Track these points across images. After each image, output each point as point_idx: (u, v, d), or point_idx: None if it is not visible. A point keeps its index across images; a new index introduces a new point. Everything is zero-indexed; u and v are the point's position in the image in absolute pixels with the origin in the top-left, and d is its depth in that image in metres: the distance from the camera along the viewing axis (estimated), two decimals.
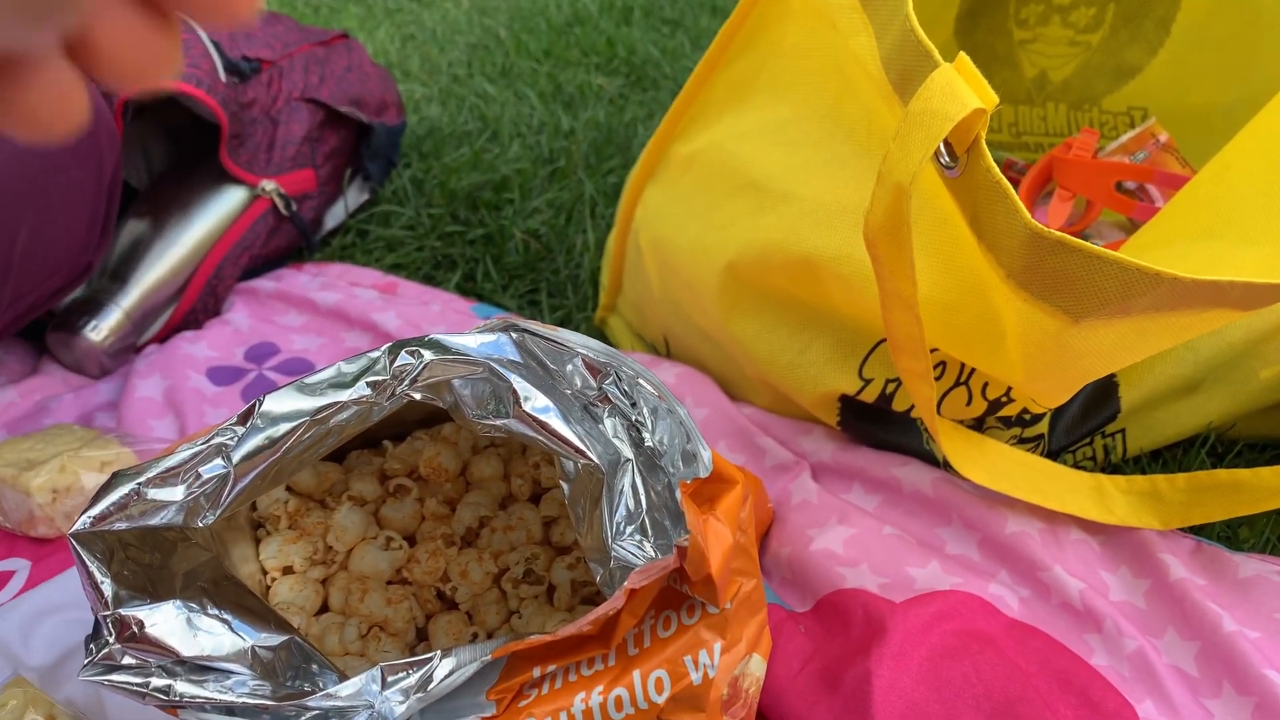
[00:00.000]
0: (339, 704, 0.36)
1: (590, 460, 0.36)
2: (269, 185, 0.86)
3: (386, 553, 0.48)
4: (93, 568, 0.36)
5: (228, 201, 0.85)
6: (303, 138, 0.90)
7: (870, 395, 0.58)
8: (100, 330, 0.77)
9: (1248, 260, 0.47)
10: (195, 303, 0.83)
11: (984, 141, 0.42)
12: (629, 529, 0.36)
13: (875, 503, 0.61)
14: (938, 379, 0.56)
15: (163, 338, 0.81)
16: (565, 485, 0.38)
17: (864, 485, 0.62)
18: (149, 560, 0.38)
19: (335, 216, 0.94)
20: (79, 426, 0.69)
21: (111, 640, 0.36)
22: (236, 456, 0.37)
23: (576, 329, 0.82)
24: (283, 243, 0.89)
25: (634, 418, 0.39)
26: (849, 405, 0.61)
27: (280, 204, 0.87)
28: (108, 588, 0.36)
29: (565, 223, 0.92)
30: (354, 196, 0.96)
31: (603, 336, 0.81)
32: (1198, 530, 0.58)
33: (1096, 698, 0.50)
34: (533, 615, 0.47)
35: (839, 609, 0.55)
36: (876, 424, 0.61)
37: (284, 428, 0.37)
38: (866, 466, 0.61)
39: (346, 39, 0.99)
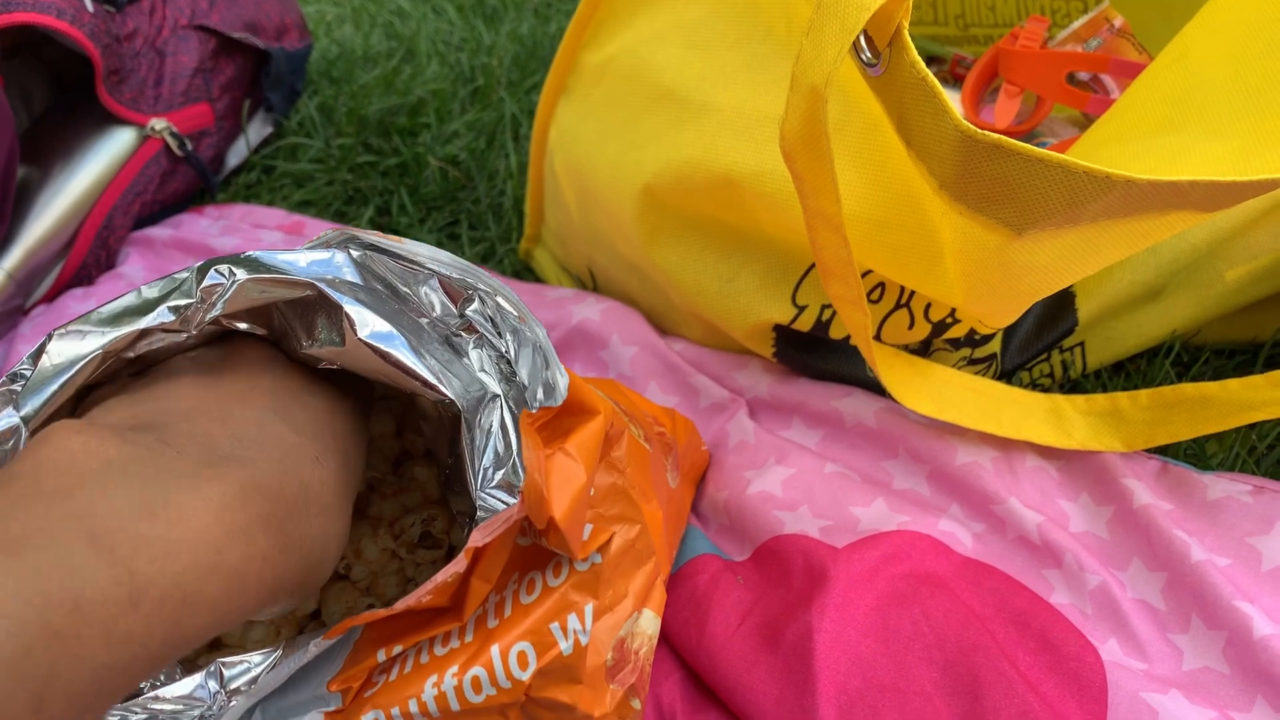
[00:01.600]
0: (168, 706, 0.31)
1: (444, 396, 0.31)
2: (159, 124, 0.79)
3: None
4: None
5: (114, 145, 0.78)
6: (194, 69, 0.82)
7: (805, 323, 0.53)
8: None
9: (1213, 154, 0.42)
10: (85, 257, 0.76)
11: (907, 33, 0.36)
12: (498, 474, 0.31)
13: (816, 439, 0.56)
14: (875, 302, 0.51)
15: (52, 297, 0.75)
16: (426, 429, 0.33)
17: (804, 420, 0.57)
18: None
19: (237, 153, 0.87)
20: None
21: None
22: (26, 406, 0.32)
23: (500, 264, 0.76)
24: (180, 186, 0.82)
25: (503, 349, 0.33)
26: (784, 335, 0.55)
27: (174, 144, 0.80)
28: None
29: (486, 147, 0.85)
30: (256, 130, 0.89)
31: (529, 270, 0.76)
32: (1163, 450, 0.54)
33: (1057, 640, 0.46)
34: (370, 611, 0.42)
35: (778, 556, 0.51)
36: (814, 354, 0.56)
37: (76, 368, 0.32)
38: (806, 400, 0.57)
39: None
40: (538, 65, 0.95)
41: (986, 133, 0.35)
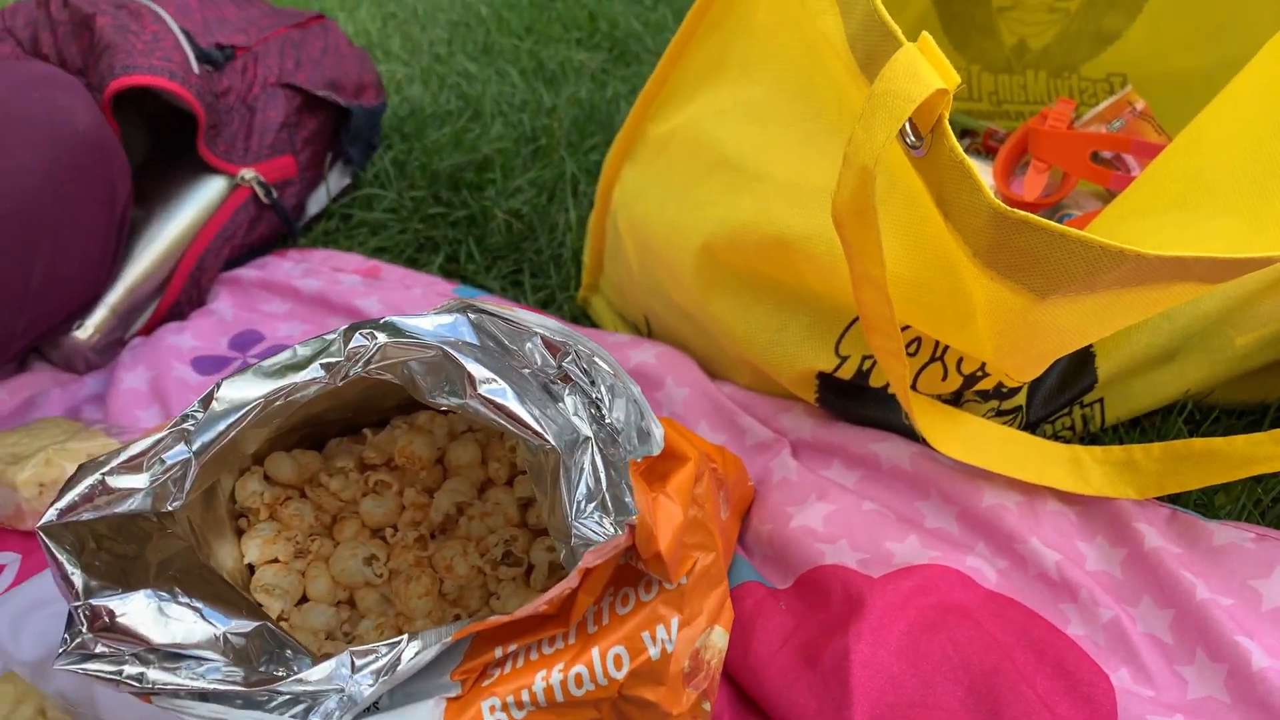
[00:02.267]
0: (310, 688, 0.36)
1: (546, 442, 0.37)
2: (249, 174, 0.86)
3: (368, 568, 0.49)
4: (62, 559, 0.36)
5: (208, 192, 0.85)
6: (280, 124, 0.89)
7: (847, 372, 0.59)
8: (87, 328, 0.77)
9: (1218, 232, 0.47)
10: (179, 295, 0.83)
11: (947, 122, 0.42)
12: (590, 506, 0.37)
13: (854, 479, 0.61)
14: (913, 355, 0.56)
15: (148, 330, 0.82)
16: (528, 465, 0.39)
17: (843, 461, 0.62)
18: (123, 550, 0.39)
19: (318, 202, 0.94)
20: (65, 419, 0.70)
21: (84, 630, 0.36)
22: (198, 442, 0.38)
23: (559, 309, 0.82)
24: (266, 231, 0.89)
25: (594, 395, 0.39)
26: (827, 382, 0.61)
27: (261, 192, 0.87)
28: (78, 579, 0.36)
29: (548, 202, 0.92)
30: (335, 181, 0.96)
31: (586, 316, 0.81)
32: (1174, 499, 0.59)
33: (1072, 667, 0.51)
34: (510, 596, 0.47)
35: (819, 585, 0.55)
36: (854, 400, 0.61)
37: (241, 411, 0.38)
38: (845, 443, 0.62)
39: (322, 20, 0.99)
40: (596, 128, 1.02)
41: (1015, 210, 0.41)
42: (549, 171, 0.95)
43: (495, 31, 1.29)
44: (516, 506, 0.50)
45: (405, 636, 0.38)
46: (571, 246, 0.86)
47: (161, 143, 0.91)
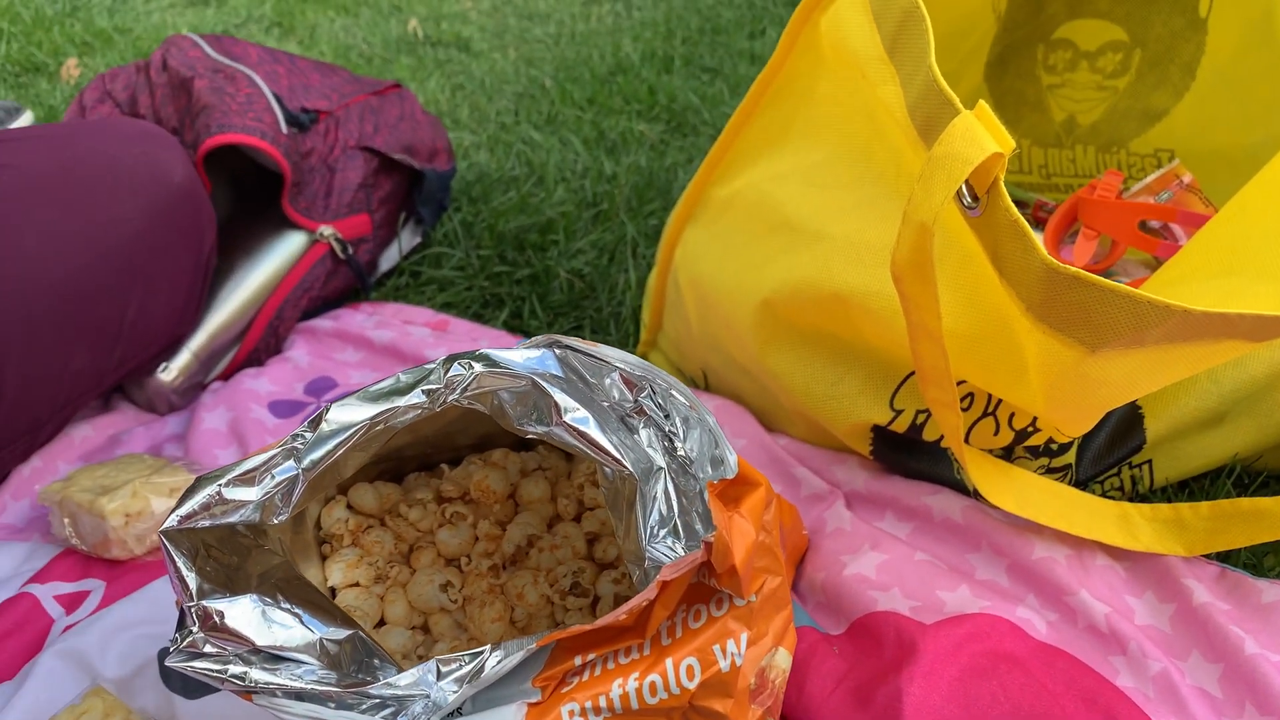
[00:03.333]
0: (398, 692, 0.39)
1: (625, 468, 0.40)
2: (327, 230, 0.91)
3: (443, 594, 0.51)
4: (180, 562, 0.39)
5: (288, 246, 0.90)
6: (358, 184, 0.94)
7: (901, 426, 0.61)
8: (171, 371, 0.81)
9: (1262, 295, 0.49)
10: (258, 343, 0.87)
11: (1002, 183, 0.45)
12: (662, 532, 0.39)
13: (907, 530, 0.63)
14: (965, 409, 0.58)
15: (227, 375, 0.86)
16: (605, 491, 0.41)
17: (896, 513, 0.64)
18: (228, 561, 0.42)
19: (390, 258, 0.99)
20: (149, 456, 0.73)
21: (195, 629, 0.39)
22: (306, 460, 0.41)
23: None
24: (340, 284, 0.93)
25: (667, 428, 0.42)
26: (881, 435, 0.63)
27: (337, 248, 0.91)
28: (193, 581, 0.39)
29: (608, 263, 0.95)
30: (407, 239, 1.00)
31: None
32: (1222, 557, 0.60)
33: (1122, 717, 0.52)
34: (577, 625, 0.49)
35: (871, 630, 0.57)
36: (908, 454, 0.64)
37: (349, 430, 0.41)
38: (898, 495, 0.64)
39: (399, 89, 1.04)
40: (654, 194, 1.06)
41: (1067, 266, 0.43)
42: (609, 234, 0.99)
43: (559, 103, 1.34)
44: (584, 540, 0.53)
45: (489, 646, 0.40)
46: (630, 305, 0.89)
47: (245, 200, 0.96)
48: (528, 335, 0.89)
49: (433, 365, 0.42)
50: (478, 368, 0.42)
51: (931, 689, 0.52)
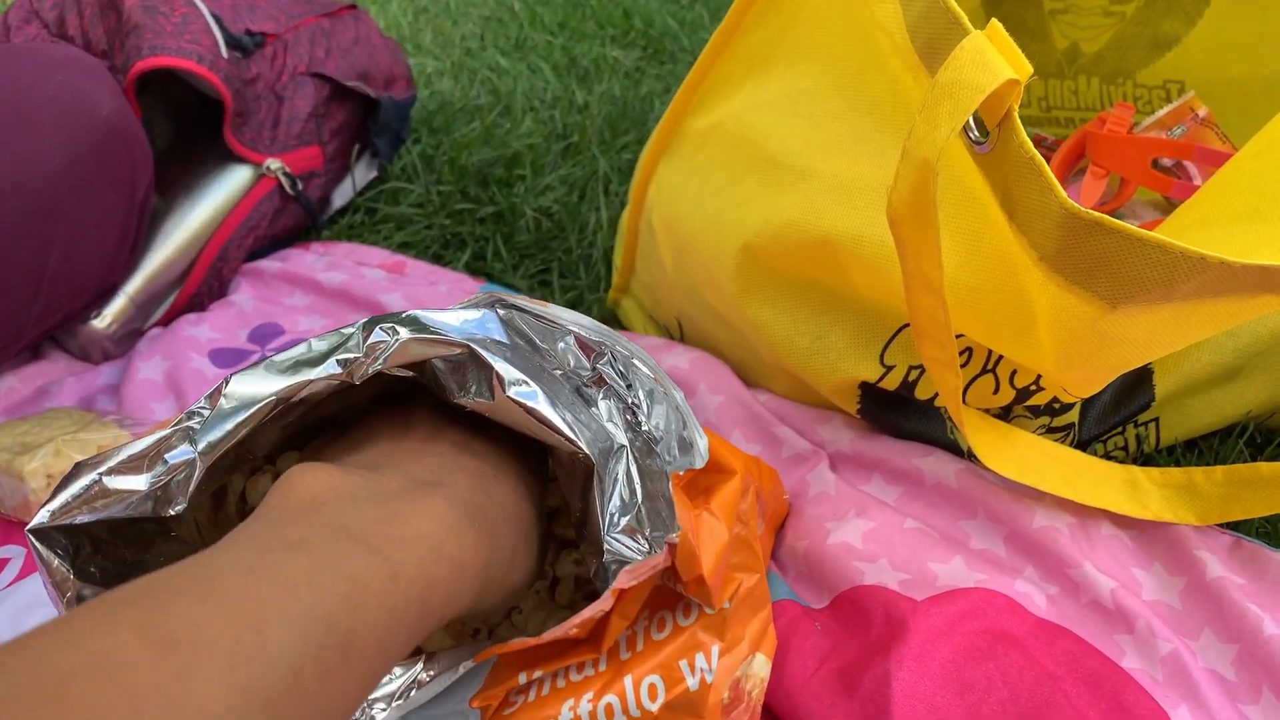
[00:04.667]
0: None
1: (579, 449, 0.34)
2: (274, 164, 0.84)
3: None
4: (54, 564, 0.34)
5: (232, 181, 0.83)
6: (308, 114, 0.87)
7: (892, 383, 0.56)
8: (104, 318, 0.75)
9: None
10: (200, 286, 0.81)
11: (1017, 115, 0.39)
12: (623, 520, 0.34)
13: (896, 495, 0.58)
14: (963, 366, 0.53)
15: (167, 321, 0.80)
16: (561, 470, 0.36)
17: (884, 476, 0.59)
18: (123, 556, 0.36)
19: (343, 195, 0.92)
20: (76, 409, 0.68)
21: None
22: (203, 441, 0.35)
23: (588, 311, 0.79)
24: (289, 222, 0.87)
25: (630, 400, 0.36)
26: (870, 393, 0.58)
27: (286, 183, 0.84)
28: (70, 586, 0.34)
29: (578, 200, 0.89)
30: (362, 174, 0.94)
31: (615, 318, 0.79)
32: (1235, 526, 0.56)
33: (1128, 703, 0.47)
34: (533, 611, 0.44)
35: (857, 606, 0.53)
36: (898, 412, 0.59)
37: (252, 409, 0.35)
38: (887, 457, 0.59)
39: (354, 10, 0.97)
40: (629, 125, 0.99)
41: (1089, 210, 0.38)
42: (580, 169, 0.93)
43: (528, 27, 1.26)
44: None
45: (421, 658, 0.35)
46: (602, 246, 0.83)
47: (185, 130, 0.89)
48: (491, 279, 0.83)
49: (351, 330, 0.36)
50: (403, 333, 0.35)
51: (922, 673, 0.48)
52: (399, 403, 0.43)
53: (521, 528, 0.37)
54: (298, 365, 0.36)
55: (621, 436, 0.35)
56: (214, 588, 0.26)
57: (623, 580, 0.33)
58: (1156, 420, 0.60)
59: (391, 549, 0.30)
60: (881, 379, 0.56)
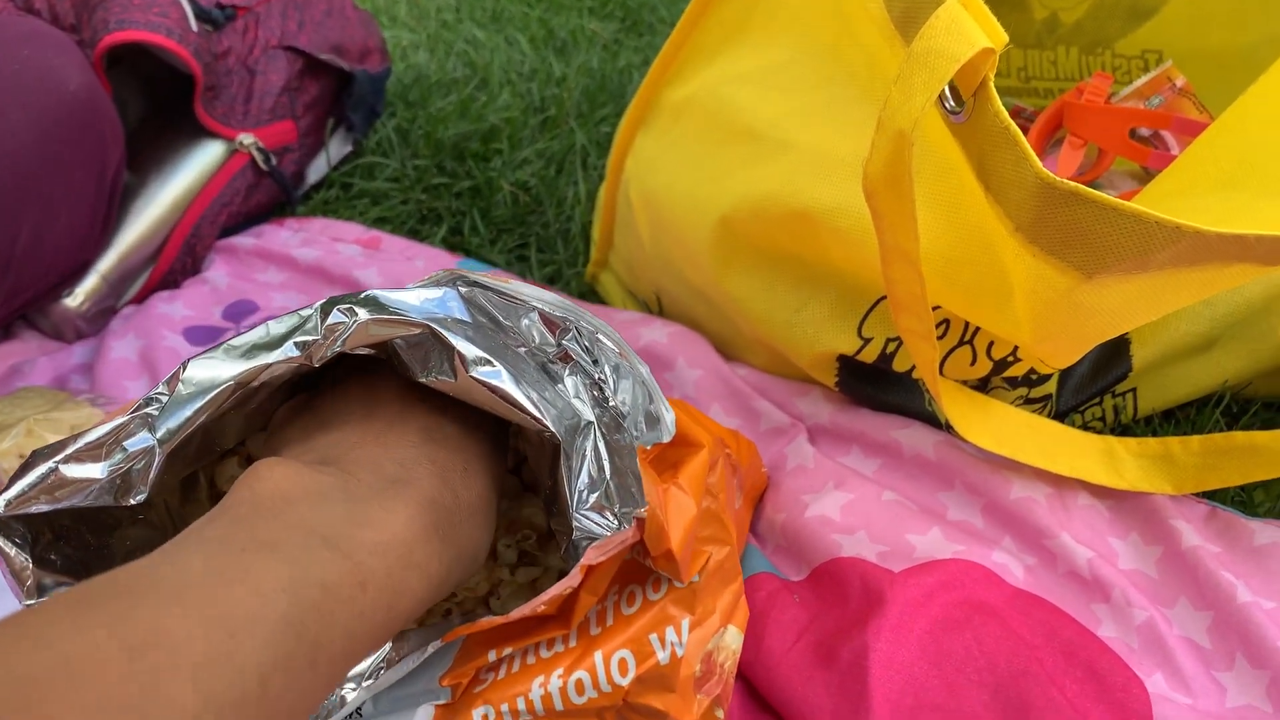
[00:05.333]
0: None
1: (545, 427, 0.34)
2: (247, 139, 0.83)
3: None
4: (12, 554, 0.33)
5: (205, 157, 0.82)
6: (281, 88, 0.86)
7: (870, 355, 0.56)
8: (77, 296, 0.75)
9: (1272, 212, 0.44)
10: (173, 263, 0.80)
11: (992, 84, 0.39)
12: (592, 497, 0.34)
13: (874, 467, 0.58)
14: (940, 338, 0.53)
15: (141, 298, 0.79)
16: (531, 449, 0.35)
17: (863, 448, 0.59)
18: (87, 541, 0.36)
19: (318, 169, 0.91)
20: (49, 389, 0.67)
21: None
22: (162, 429, 0.34)
23: (566, 285, 0.79)
24: (264, 198, 0.86)
25: (596, 376, 0.36)
26: (848, 365, 0.58)
27: (259, 158, 0.83)
28: (29, 575, 0.33)
29: (556, 174, 0.88)
30: (336, 148, 0.93)
31: (594, 293, 0.78)
32: (1211, 495, 0.56)
33: (1104, 670, 0.48)
34: (510, 597, 0.44)
35: (835, 578, 0.53)
36: (876, 385, 0.58)
37: (210, 394, 0.34)
38: (866, 429, 0.59)
39: None
40: (607, 98, 0.98)
41: (1065, 180, 0.38)
42: (558, 143, 0.92)
43: None
44: (543, 513, 0.47)
45: (390, 641, 0.35)
46: (580, 221, 0.83)
47: (157, 105, 0.87)
48: (468, 254, 0.82)
49: (309, 312, 0.35)
50: (362, 314, 0.34)
51: (900, 644, 0.48)
52: (367, 367, 0.42)
53: (483, 522, 0.37)
54: (255, 349, 0.35)
55: (588, 413, 0.35)
56: (186, 590, 0.26)
57: (590, 556, 0.33)
58: (1134, 391, 0.60)
59: (363, 555, 0.30)
60: (859, 351, 0.56)
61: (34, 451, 0.34)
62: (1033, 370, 0.55)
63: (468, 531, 0.35)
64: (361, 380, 0.40)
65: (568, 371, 0.36)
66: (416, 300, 0.35)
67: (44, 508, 0.33)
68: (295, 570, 0.28)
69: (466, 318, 0.36)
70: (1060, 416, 0.59)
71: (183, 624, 0.25)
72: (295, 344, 0.35)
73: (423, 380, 0.35)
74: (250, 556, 0.28)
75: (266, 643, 0.26)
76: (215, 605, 0.26)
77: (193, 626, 0.25)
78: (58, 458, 0.33)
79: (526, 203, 0.85)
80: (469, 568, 0.35)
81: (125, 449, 0.34)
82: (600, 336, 0.37)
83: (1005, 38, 0.38)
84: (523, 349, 0.37)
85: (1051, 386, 0.57)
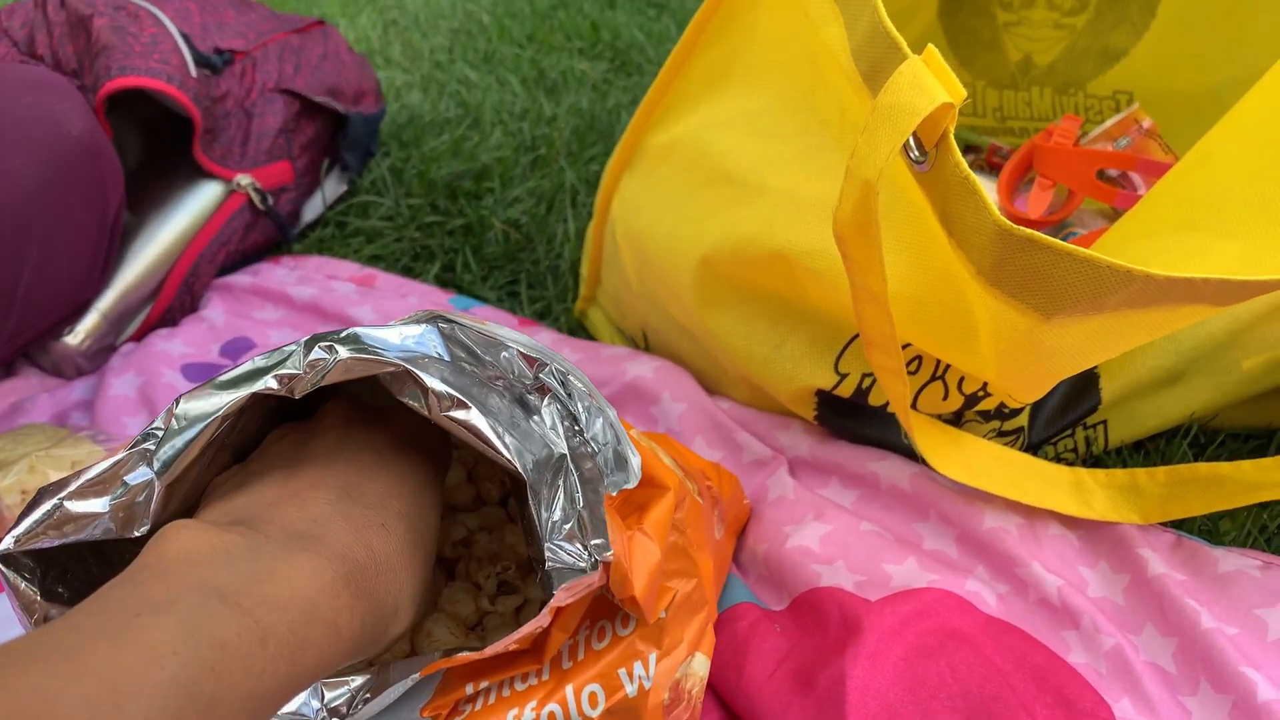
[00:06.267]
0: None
1: (516, 469, 0.35)
2: (244, 180, 0.85)
3: None
4: (20, 587, 0.35)
5: (203, 198, 0.84)
6: (278, 129, 0.88)
7: (846, 390, 0.58)
8: (77, 334, 0.76)
9: (1227, 253, 0.46)
10: (172, 301, 0.82)
11: (952, 136, 0.41)
12: (565, 527, 0.35)
13: (852, 498, 0.60)
14: (913, 373, 0.55)
15: (140, 336, 0.80)
16: (506, 479, 0.37)
17: (841, 480, 0.61)
18: (93, 574, 0.37)
19: (313, 209, 0.93)
20: (50, 425, 0.69)
21: None
22: (159, 461, 0.36)
23: (556, 321, 0.81)
24: (260, 237, 0.88)
25: (571, 408, 0.38)
26: (825, 400, 0.60)
27: (256, 198, 0.86)
28: (38, 608, 0.35)
29: (546, 212, 0.91)
30: (332, 188, 0.95)
31: (583, 328, 0.80)
32: (1178, 523, 0.58)
33: (1072, 696, 0.49)
34: (495, 630, 0.46)
35: (815, 607, 0.54)
36: (853, 419, 0.60)
37: (201, 425, 0.36)
38: (844, 462, 0.61)
39: (322, 26, 0.98)
40: (596, 137, 1.01)
41: (1021, 228, 0.40)
42: (548, 181, 0.94)
43: (497, 39, 1.28)
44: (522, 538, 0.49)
45: (373, 670, 0.36)
46: (570, 258, 0.85)
47: (156, 147, 0.90)
48: (461, 290, 0.84)
49: (292, 348, 0.37)
50: (342, 351, 0.36)
51: (876, 671, 0.50)
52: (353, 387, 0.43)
53: (407, 576, 0.37)
54: (238, 381, 0.36)
55: (562, 445, 0.37)
56: (76, 655, 0.26)
57: (560, 598, 0.35)
58: (1105, 423, 0.62)
59: (262, 611, 0.30)
60: (836, 386, 0.58)
61: (40, 489, 0.35)
62: (1004, 404, 0.57)
63: (385, 585, 0.35)
64: (297, 431, 0.41)
65: (545, 403, 0.38)
66: (397, 338, 0.37)
67: (52, 543, 0.35)
68: (189, 630, 0.28)
69: (445, 355, 0.37)
70: (1033, 448, 0.61)
71: (68, 693, 0.25)
72: (275, 377, 0.36)
73: (403, 400, 0.37)
74: (145, 618, 0.28)
75: (155, 706, 0.26)
76: (103, 670, 0.26)
77: (78, 695, 0.25)
78: (62, 494, 0.35)
79: (517, 240, 0.87)
80: (387, 623, 0.35)
81: (126, 483, 0.35)
82: (571, 378, 0.39)
83: (964, 93, 0.40)
84: (500, 381, 0.38)
85: (1024, 419, 0.59)
